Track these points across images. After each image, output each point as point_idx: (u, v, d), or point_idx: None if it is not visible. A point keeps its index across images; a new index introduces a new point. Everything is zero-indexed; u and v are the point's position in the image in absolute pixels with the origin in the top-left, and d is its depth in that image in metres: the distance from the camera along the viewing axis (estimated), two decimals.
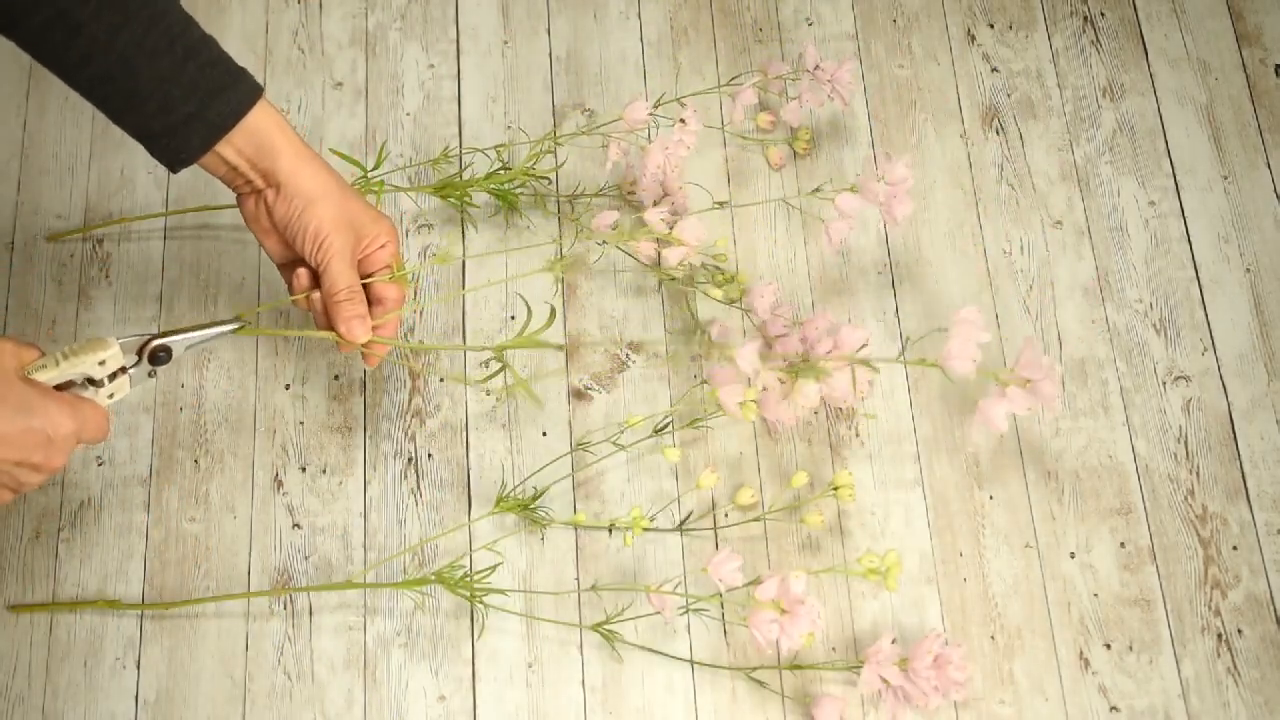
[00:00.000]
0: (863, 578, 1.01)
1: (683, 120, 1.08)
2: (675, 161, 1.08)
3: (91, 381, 0.87)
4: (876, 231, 1.17)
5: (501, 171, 1.13)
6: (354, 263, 0.93)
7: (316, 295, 0.93)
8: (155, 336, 0.89)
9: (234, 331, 0.94)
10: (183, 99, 0.86)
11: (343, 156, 1.08)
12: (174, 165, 0.88)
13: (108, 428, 0.85)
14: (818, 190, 1.13)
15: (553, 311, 0.97)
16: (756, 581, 0.96)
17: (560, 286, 1.14)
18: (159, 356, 0.90)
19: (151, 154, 0.88)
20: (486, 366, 1.11)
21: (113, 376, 0.88)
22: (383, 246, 0.95)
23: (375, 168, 1.09)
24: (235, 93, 0.87)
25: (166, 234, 1.15)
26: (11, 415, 0.78)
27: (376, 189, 1.10)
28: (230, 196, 1.09)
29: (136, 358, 0.89)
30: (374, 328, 0.94)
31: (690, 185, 1.18)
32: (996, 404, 0.91)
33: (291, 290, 0.95)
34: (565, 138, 1.18)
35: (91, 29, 0.83)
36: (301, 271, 0.94)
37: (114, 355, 0.87)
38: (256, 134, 0.88)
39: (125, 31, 0.83)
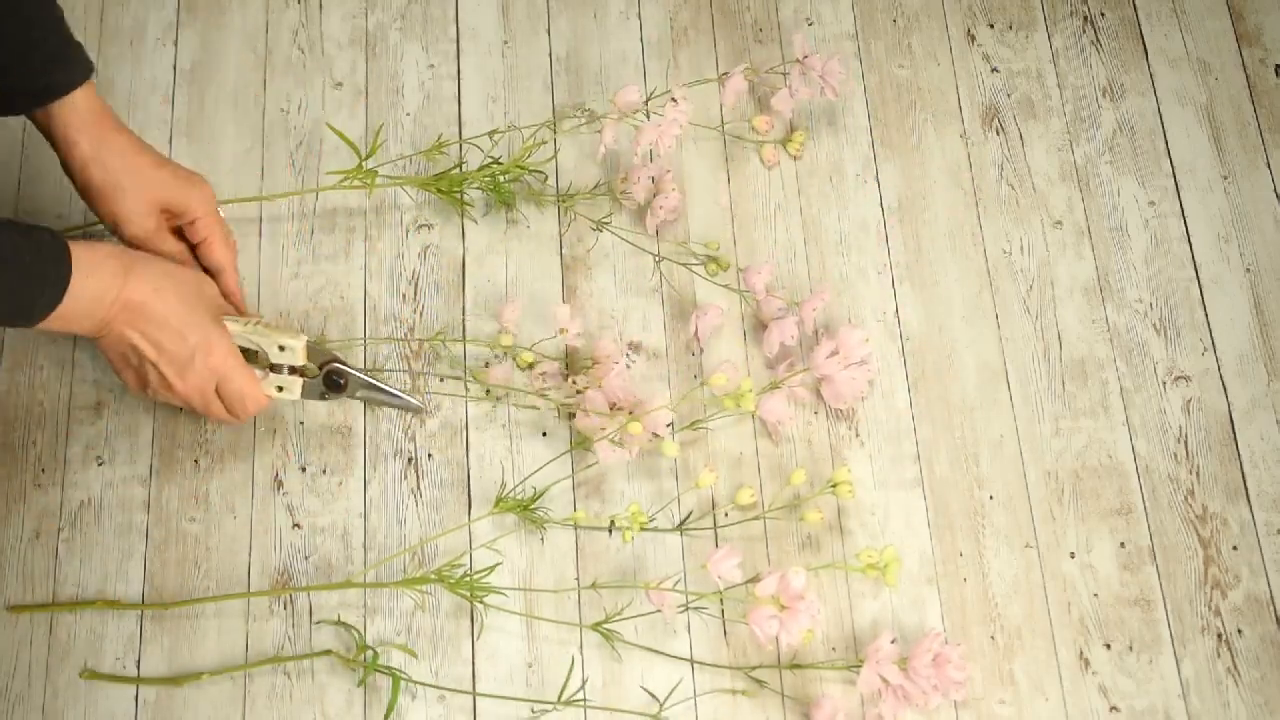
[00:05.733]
0: (862, 574, 1.01)
1: (674, 99, 1.10)
2: (668, 140, 1.10)
3: (273, 368, 0.89)
4: (877, 231, 1.17)
5: (495, 165, 1.13)
6: (167, 234, 1.00)
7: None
8: (341, 361, 0.92)
9: (411, 408, 1.02)
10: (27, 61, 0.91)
11: (340, 136, 1.08)
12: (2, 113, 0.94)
13: (240, 401, 0.92)
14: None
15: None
16: (756, 579, 0.96)
17: (562, 286, 1.14)
18: (334, 381, 0.93)
19: None
20: (487, 366, 1.11)
21: (290, 371, 0.90)
22: (192, 223, 1.00)
23: (369, 156, 1.09)
24: (65, 70, 0.93)
25: None
26: (186, 312, 0.88)
27: (369, 179, 1.10)
28: (230, 191, 1.09)
29: (318, 370, 0.91)
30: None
31: (688, 190, 1.18)
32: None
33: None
34: (562, 128, 1.18)
35: None
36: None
37: (295, 347, 0.91)
38: (74, 112, 0.94)
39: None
